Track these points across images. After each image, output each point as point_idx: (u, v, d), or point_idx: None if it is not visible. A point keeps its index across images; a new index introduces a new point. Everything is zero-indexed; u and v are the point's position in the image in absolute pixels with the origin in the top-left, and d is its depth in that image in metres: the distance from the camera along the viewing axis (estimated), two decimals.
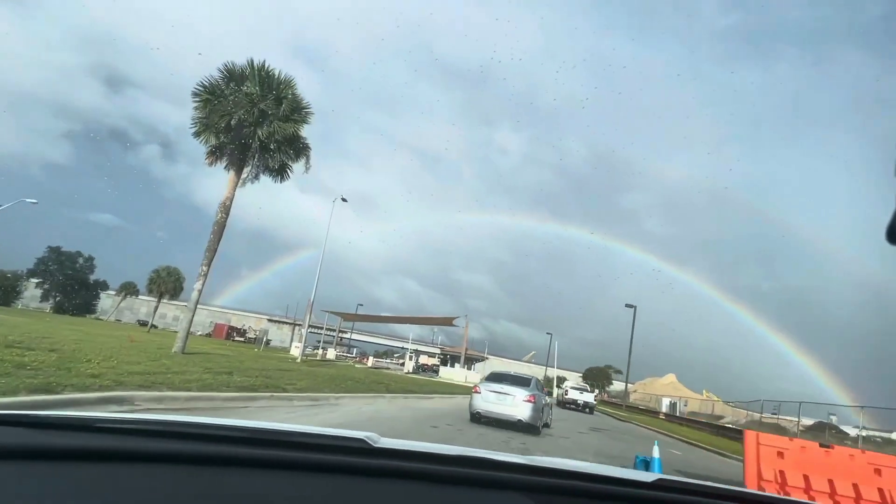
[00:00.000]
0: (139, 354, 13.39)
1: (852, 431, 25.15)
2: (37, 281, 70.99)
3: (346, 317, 58.48)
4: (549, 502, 1.06)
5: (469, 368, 55.43)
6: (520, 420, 12.06)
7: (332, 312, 56.38)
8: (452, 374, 49.42)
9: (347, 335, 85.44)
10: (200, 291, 18.14)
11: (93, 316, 71.76)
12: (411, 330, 58.86)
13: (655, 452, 8.02)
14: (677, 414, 47.86)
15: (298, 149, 20.21)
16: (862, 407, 23.40)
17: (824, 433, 25.87)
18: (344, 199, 30.56)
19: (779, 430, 25.49)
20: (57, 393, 6.10)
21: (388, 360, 71.56)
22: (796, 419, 26.54)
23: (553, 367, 61.70)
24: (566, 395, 34.61)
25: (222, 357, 18.82)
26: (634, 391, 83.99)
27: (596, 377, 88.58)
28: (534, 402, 12.21)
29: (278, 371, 16.45)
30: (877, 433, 24.85)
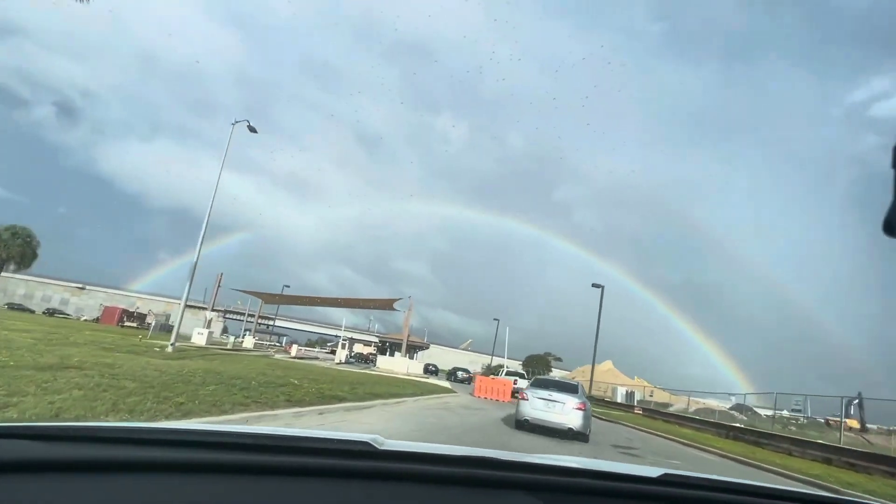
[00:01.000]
0: None
1: (762, 412, 29.63)
2: None
3: (267, 298, 49.24)
4: (556, 501, 1.05)
5: (411, 357, 48.21)
6: (570, 429, 11.67)
7: (246, 292, 46.75)
8: (392, 364, 41.93)
9: (275, 321, 75.48)
10: None
11: None
12: (346, 317, 52.07)
13: None
14: (634, 404, 43.58)
15: None
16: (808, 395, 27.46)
17: (742, 412, 30.16)
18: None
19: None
20: None
21: (318, 350, 64.02)
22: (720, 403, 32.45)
23: (503, 356, 55.98)
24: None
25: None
26: (573, 378, 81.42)
27: (536, 365, 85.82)
28: (584, 410, 11.95)
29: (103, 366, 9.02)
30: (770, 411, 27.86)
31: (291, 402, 9.59)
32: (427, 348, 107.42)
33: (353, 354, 53.07)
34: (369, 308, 47.64)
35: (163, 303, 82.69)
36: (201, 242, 20.52)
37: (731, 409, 32.97)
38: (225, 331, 79.68)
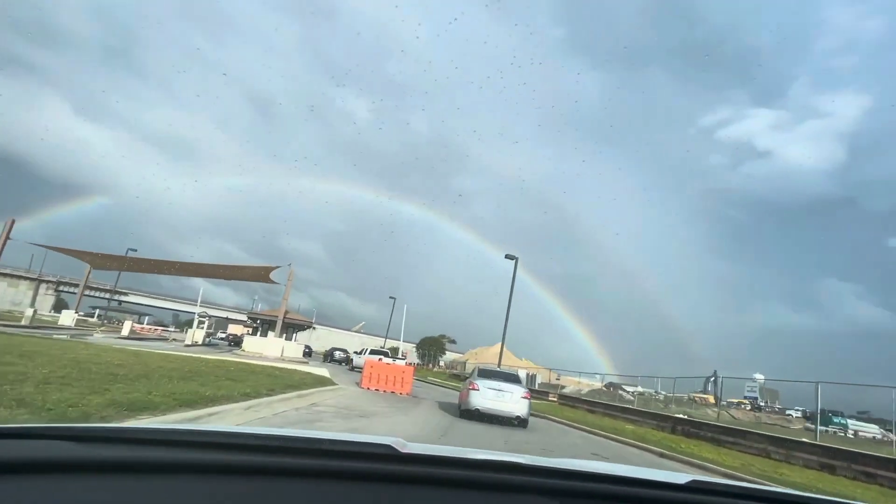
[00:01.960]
0: None
1: (630, 388, 32.43)
2: None
3: (97, 261, 37.10)
4: None
5: (290, 338, 39.85)
6: (518, 416, 12.33)
7: (52, 248, 34.20)
8: (263, 346, 33.55)
9: (128, 296, 61.15)
10: None
11: None
12: (229, 296, 42.26)
13: None
14: (536, 387, 40.23)
15: None
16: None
17: (614, 389, 32.87)
18: None
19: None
20: None
21: (175, 330, 52.75)
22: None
23: (400, 338, 49.91)
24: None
25: None
26: (466, 360, 79.17)
27: (430, 347, 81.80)
28: (529, 399, 12.77)
29: None
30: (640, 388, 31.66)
31: None
32: (311, 328, 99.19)
33: (226, 336, 45.44)
34: (240, 278, 38.37)
35: None
36: None
37: (606, 385, 36.85)
38: (60, 307, 63.74)
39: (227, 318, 72.48)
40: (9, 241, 29.84)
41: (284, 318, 37.18)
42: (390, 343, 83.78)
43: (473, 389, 12.44)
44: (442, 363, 73.32)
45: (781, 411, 38.80)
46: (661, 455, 11.82)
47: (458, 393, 17.66)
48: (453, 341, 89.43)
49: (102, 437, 1.12)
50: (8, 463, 0.88)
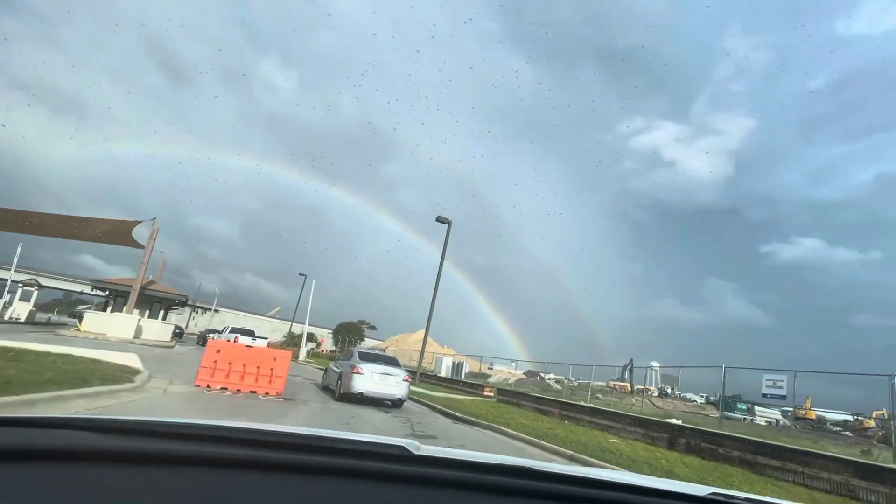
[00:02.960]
0: None
1: (548, 376, 33.80)
2: None
3: None
4: None
5: (163, 317, 30.65)
6: (399, 399, 12.36)
7: None
8: (107, 324, 24.60)
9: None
10: None
11: None
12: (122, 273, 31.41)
13: None
14: (462, 378, 34.69)
15: None
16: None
17: (536, 377, 33.42)
18: None
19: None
20: None
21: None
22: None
23: (312, 322, 42.23)
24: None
25: None
26: (386, 347, 73.06)
27: (349, 333, 74.11)
28: (409, 381, 12.97)
29: None
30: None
31: None
32: (214, 312, 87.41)
33: (76, 312, 36.66)
34: (94, 239, 28.44)
35: None
36: None
37: (526, 372, 36.30)
38: None
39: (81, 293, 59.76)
40: None
41: (146, 288, 28.04)
42: (301, 328, 75.21)
43: (357, 373, 12.00)
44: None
45: (684, 397, 39.11)
46: None
47: None
48: (373, 327, 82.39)
49: (115, 428, 1.10)
50: (13, 450, 0.87)
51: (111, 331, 24.59)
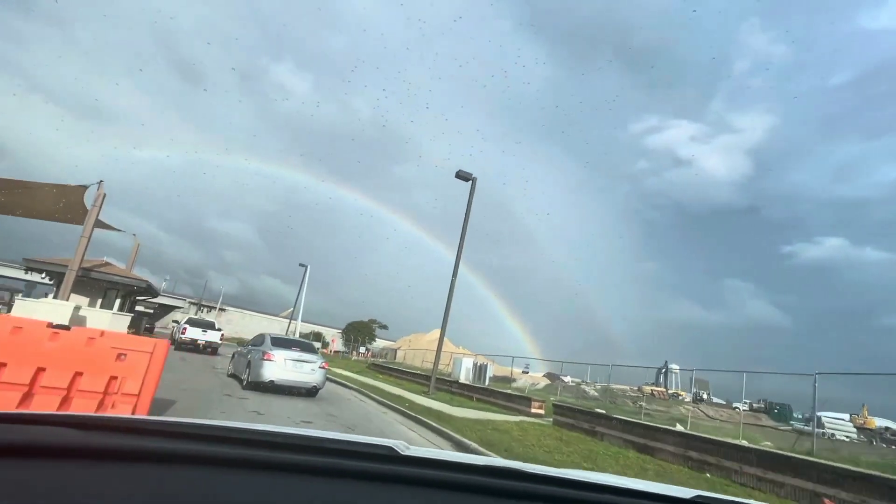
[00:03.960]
0: None
1: (568, 379, 31.78)
2: None
3: None
4: None
5: (127, 308, 24.83)
6: (315, 387, 11.58)
7: None
8: (35, 314, 18.49)
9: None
10: None
11: None
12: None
13: None
14: (486, 383, 28.19)
15: None
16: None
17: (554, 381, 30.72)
18: None
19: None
20: None
21: None
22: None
23: (297, 318, 36.29)
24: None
25: None
26: (398, 348, 66.86)
27: (358, 332, 68.03)
28: (326, 368, 12.04)
29: None
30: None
31: None
32: (220, 312, 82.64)
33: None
34: (36, 215, 22.80)
35: None
36: None
37: (545, 375, 32.97)
38: None
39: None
40: None
41: (94, 270, 22.11)
42: (311, 329, 69.45)
43: (268, 360, 11.11)
44: (364, 350, 59.25)
45: (729, 404, 35.35)
46: None
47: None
48: (384, 326, 76.58)
49: (105, 426, 1.08)
50: (8, 447, 0.85)
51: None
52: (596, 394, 31.46)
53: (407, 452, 1.08)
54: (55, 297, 20.09)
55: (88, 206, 22.13)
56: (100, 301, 23.47)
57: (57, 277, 22.96)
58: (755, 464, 7.39)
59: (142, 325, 28.97)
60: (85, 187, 20.97)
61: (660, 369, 46.02)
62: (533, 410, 13.02)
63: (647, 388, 35.09)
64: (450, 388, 19.87)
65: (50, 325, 5.12)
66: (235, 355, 13.97)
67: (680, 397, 33.38)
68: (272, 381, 10.91)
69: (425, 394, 16.77)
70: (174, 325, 28.04)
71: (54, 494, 0.76)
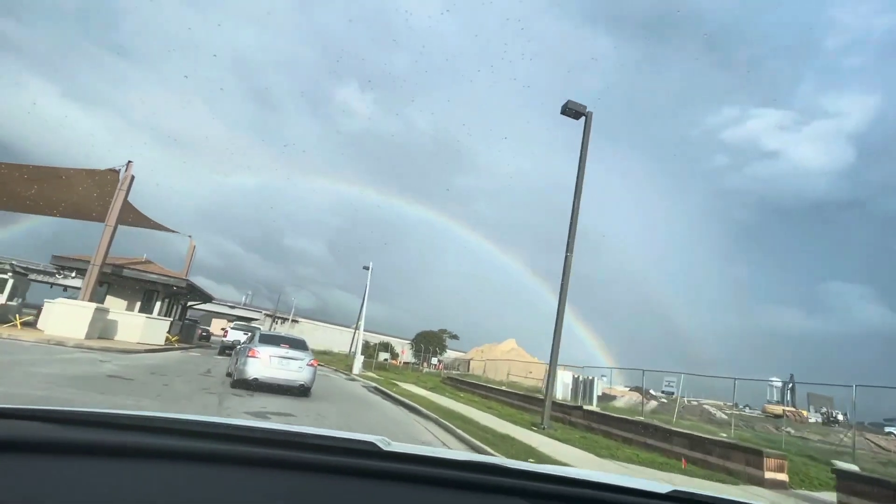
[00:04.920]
0: None
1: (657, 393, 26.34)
2: None
3: None
4: None
5: (166, 312, 21.62)
6: (302, 385, 10.81)
7: None
8: (58, 317, 15.16)
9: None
10: None
11: None
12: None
13: None
14: (594, 406, 21.73)
15: None
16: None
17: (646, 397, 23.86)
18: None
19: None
20: None
21: None
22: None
23: (360, 324, 32.00)
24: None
25: None
26: (470, 359, 60.90)
27: (428, 342, 63.06)
28: (315, 367, 11.34)
29: None
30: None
31: None
32: (293, 323, 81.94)
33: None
34: (69, 214, 20.29)
35: None
36: None
37: (631, 390, 29.39)
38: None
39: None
40: None
41: (126, 267, 18.86)
42: (379, 339, 65.82)
43: (253, 357, 10.48)
44: (437, 361, 53.99)
45: (880, 427, 27.92)
46: None
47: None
48: (455, 336, 71.33)
49: (79, 420, 1.05)
50: None
51: (53, 326, 15.37)
52: (725, 416, 24.25)
53: (389, 448, 1.06)
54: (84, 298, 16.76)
55: (123, 204, 18.92)
56: (139, 304, 20.35)
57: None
58: None
59: (195, 334, 26.05)
60: (116, 171, 17.73)
61: (785, 384, 37.59)
62: (768, 476, 6.76)
63: (776, 408, 29.35)
64: (567, 415, 13.85)
65: None
66: (233, 353, 13.45)
67: (804, 417, 28.18)
68: (256, 379, 10.33)
69: (536, 427, 11.04)
70: (224, 331, 24.32)
71: (28, 490, 0.73)
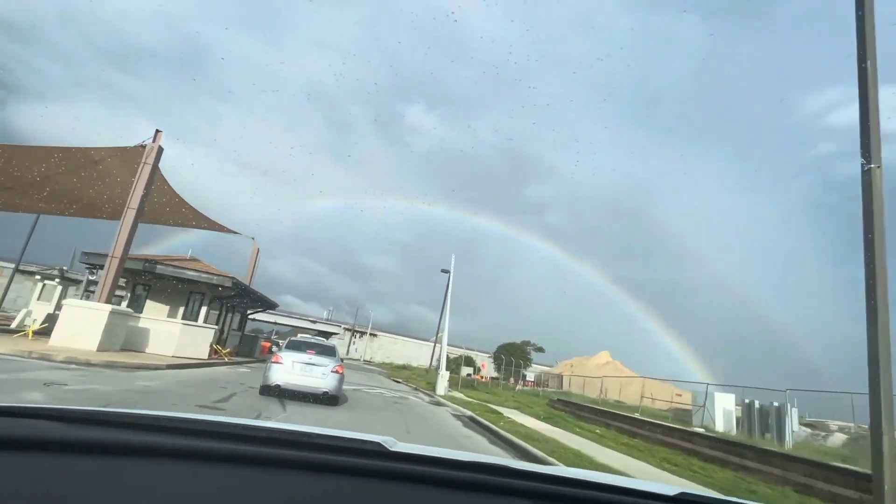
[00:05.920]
0: None
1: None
2: None
3: None
4: None
5: (215, 320, 17.96)
6: (326, 392, 10.10)
7: None
8: (68, 323, 11.38)
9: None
10: None
11: None
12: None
13: None
14: (787, 447, 14.56)
15: None
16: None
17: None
18: None
19: None
20: None
21: None
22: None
23: (442, 335, 26.99)
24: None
25: None
26: (560, 373, 53.49)
27: (511, 354, 56.47)
28: (341, 374, 10.51)
29: None
30: None
31: None
32: (372, 336, 79.66)
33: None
34: (101, 213, 17.37)
35: None
36: None
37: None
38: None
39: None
40: None
41: (165, 263, 15.25)
42: (460, 352, 60.47)
43: (276, 363, 10.09)
44: (528, 378, 47.06)
45: None
46: None
47: None
48: (540, 349, 64.21)
49: (89, 419, 1.04)
50: None
51: (62, 334, 11.76)
52: None
53: (395, 448, 1.06)
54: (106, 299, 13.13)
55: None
56: (181, 310, 16.75)
57: (124, 275, 16.85)
58: None
59: (257, 347, 22.41)
60: (140, 146, 14.19)
61: None
62: None
63: None
64: (740, 459, 7.35)
65: None
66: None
67: None
68: (278, 385, 9.79)
69: None
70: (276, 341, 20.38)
71: (30, 488, 0.72)
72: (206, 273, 15.40)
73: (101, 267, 15.45)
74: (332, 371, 10.15)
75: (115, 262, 12.72)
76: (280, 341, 22.56)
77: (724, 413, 17.38)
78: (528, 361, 60.61)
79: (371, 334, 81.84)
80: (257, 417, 7.34)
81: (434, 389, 20.08)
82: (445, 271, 36.01)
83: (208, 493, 0.81)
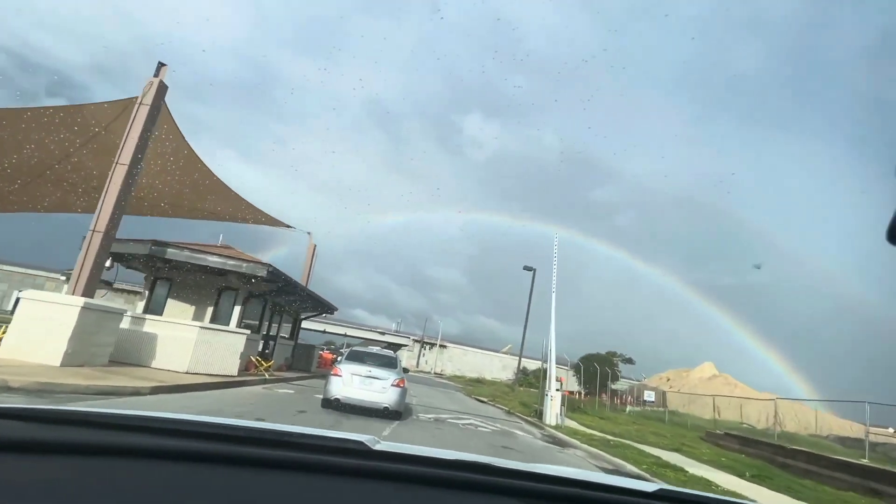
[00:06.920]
0: None
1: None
2: None
3: None
4: None
5: (276, 328, 13.93)
6: (387, 407, 9.48)
7: None
8: (27, 326, 7.28)
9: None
10: None
11: None
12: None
13: None
14: None
15: None
16: None
17: None
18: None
19: None
20: None
21: None
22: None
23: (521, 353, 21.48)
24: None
25: None
26: (657, 387, 45.36)
27: (599, 364, 48.64)
28: (402, 387, 9.85)
29: None
30: None
31: None
32: (441, 348, 75.84)
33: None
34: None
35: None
36: None
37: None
38: None
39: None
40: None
41: (159, 246, 11.33)
42: (536, 364, 54.04)
43: (335, 375, 9.70)
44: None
45: None
46: None
47: None
48: (629, 360, 55.82)
49: (70, 419, 1.02)
50: None
51: (15, 343, 7.93)
52: None
53: (378, 447, 1.04)
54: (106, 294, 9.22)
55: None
56: (210, 310, 12.75)
57: (140, 268, 13.15)
58: None
59: (314, 359, 18.31)
60: (133, 98, 10.37)
61: None
62: None
63: None
64: None
65: None
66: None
67: None
68: (337, 399, 9.35)
69: None
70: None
71: (19, 490, 0.71)
72: (234, 259, 11.30)
73: (120, 256, 11.77)
74: (392, 385, 9.56)
75: (98, 238, 8.81)
76: (342, 350, 18.46)
77: None
78: (616, 375, 52.70)
79: (441, 345, 78.04)
80: None
81: (539, 416, 14.59)
82: (528, 269, 30.50)
83: (191, 494, 0.78)
